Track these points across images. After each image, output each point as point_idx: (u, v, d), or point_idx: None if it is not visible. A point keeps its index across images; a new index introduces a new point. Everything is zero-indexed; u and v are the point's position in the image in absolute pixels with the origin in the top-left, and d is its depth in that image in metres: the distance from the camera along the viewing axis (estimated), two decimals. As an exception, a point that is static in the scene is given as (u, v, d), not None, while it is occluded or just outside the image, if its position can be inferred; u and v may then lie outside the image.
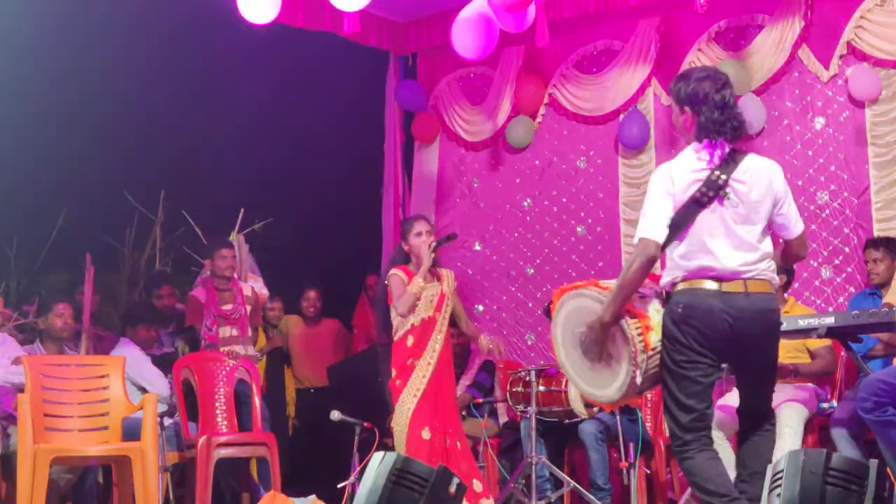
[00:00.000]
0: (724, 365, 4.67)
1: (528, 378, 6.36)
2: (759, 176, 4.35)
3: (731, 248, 4.30)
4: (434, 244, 6.14)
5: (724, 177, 4.30)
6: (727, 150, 4.38)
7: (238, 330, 7.32)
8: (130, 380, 6.73)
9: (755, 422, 4.49)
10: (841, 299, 6.93)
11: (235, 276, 7.47)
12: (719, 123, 4.39)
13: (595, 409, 6.41)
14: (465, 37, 6.79)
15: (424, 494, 4.50)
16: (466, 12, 6.78)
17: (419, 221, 6.27)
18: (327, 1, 6.65)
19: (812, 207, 7.15)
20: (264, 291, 7.80)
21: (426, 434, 5.92)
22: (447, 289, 6.21)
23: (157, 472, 6.11)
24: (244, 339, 7.34)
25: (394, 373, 6.14)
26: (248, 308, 7.42)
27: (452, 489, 4.60)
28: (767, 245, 4.37)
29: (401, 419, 6.01)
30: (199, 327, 7.31)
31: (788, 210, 4.42)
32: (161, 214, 8.55)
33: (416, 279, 6.10)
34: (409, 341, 6.11)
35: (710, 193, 4.30)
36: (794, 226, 4.46)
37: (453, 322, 6.35)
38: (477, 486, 5.96)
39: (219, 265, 7.32)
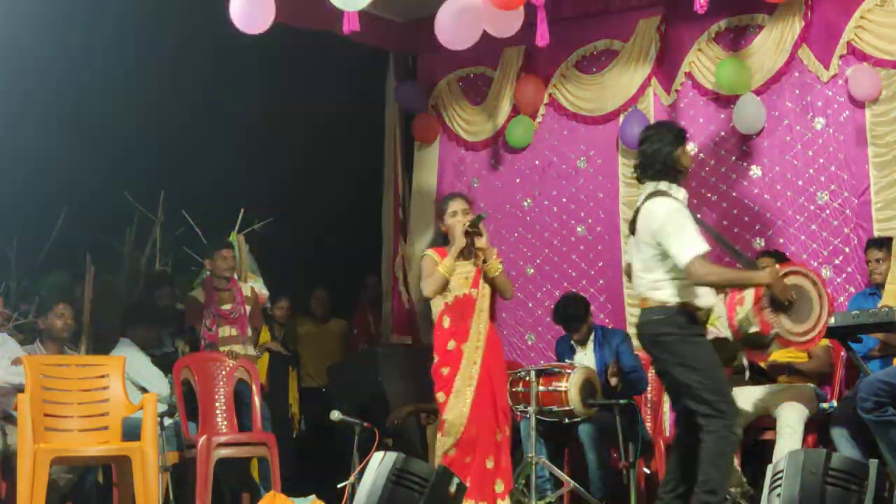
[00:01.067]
0: None
1: (528, 378, 6.36)
2: (643, 218, 5.23)
3: (636, 274, 5.32)
4: (468, 224, 5.87)
5: (633, 217, 5.34)
6: (648, 192, 5.27)
7: (238, 329, 7.32)
8: (130, 380, 6.73)
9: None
10: (841, 299, 6.92)
11: (235, 276, 7.48)
12: (634, 170, 5.43)
13: (594, 410, 6.41)
14: (448, 26, 6.74)
15: (424, 494, 4.50)
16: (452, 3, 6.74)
17: (454, 200, 6.01)
18: (327, 1, 6.64)
19: (812, 207, 7.15)
20: (264, 292, 7.81)
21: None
22: (485, 265, 5.91)
23: (157, 472, 6.11)
24: (244, 339, 7.35)
25: (436, 358, 5.83)
26: (248, 308, 7.43)
27: (452, 489, 4.61)
28: (661, 272, 5.16)
29: (454, 413, 5.76)
30: (199, 327, 7.31)
31: (666, 248, 5.11)
32: (161, 214, 8.55)
33: (446, 260, 5.83)
34: (446, 322, 5.83)
35: (628, 231, 5.45)
36: (676, 259, 5.10)
37: None
38: (499, 485, 5.85)
39: (219, 265, 7.33)
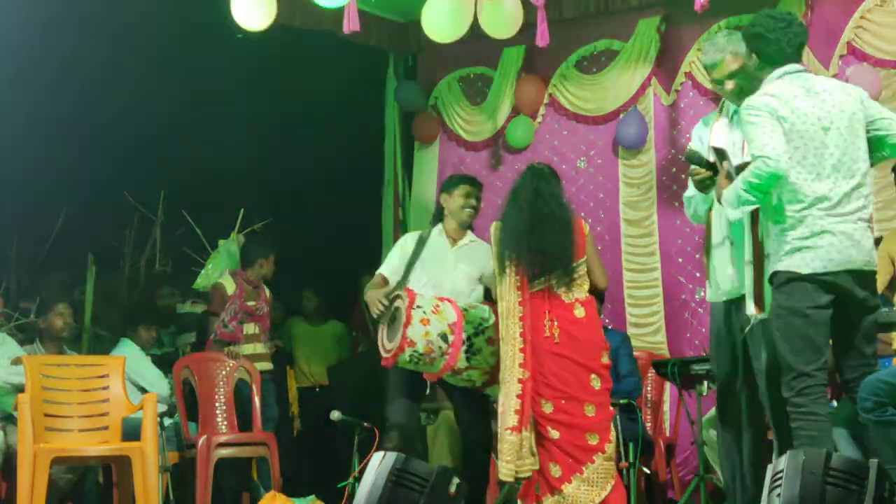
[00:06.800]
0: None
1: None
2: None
3: None
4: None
5: None
6: None
7: (260, 327, 7.32)
8: (130, 380, 6.73)
9: None
10: (841, 299, 6.90)
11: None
12: None
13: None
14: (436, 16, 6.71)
15: (424, 494, 4.50)
16: None
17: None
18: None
19: (812, 207, 7.14)
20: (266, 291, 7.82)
21: None
22: None
23: (157, 472, 6.11)
24: (265, 338, 7.36)
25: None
26: (268, 308, 7.44)
27: (452, 489, 4.61)
28: None
29: None
30: (218, 318, 7.21)
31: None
32: (161, 214, 8.55)
33: None
34: None
35: None
36: None
37: None
38: None
39: (267, 273, 7.37)
